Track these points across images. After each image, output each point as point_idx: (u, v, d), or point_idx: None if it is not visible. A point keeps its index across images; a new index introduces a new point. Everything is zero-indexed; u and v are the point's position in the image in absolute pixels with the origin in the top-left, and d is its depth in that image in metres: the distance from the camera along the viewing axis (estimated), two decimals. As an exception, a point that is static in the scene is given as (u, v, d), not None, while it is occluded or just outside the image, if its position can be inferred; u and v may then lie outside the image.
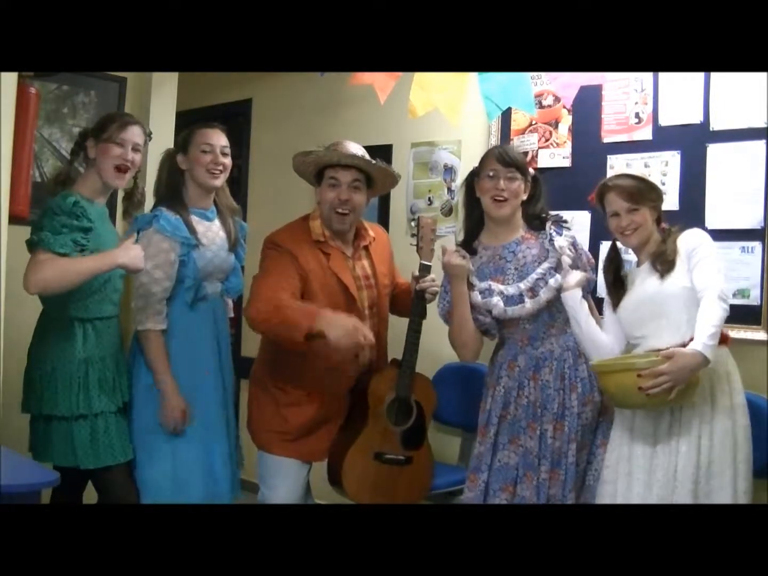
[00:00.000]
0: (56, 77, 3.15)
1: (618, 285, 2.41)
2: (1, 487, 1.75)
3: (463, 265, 2.46)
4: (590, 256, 2.63)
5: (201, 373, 2.57)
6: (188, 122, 3.03)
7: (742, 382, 2.24)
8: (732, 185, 2.66)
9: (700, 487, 2.12)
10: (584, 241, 2.95)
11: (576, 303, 2.41)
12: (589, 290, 2.54)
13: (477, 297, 2.49)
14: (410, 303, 2.62)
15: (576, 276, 2.45)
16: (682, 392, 2.08)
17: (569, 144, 3.09)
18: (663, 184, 2.75)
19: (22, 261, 2.31)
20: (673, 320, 2.17)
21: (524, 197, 2.51)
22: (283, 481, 2.61)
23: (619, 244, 2.42)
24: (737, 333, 2.54)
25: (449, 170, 3.46)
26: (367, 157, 2.61)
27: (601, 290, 2.55)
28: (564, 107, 3.08)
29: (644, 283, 2.30)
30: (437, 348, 3.15)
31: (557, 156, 3.12)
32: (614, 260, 2.44)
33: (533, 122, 3.18)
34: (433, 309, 2.65)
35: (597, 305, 2.55)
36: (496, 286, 2.48)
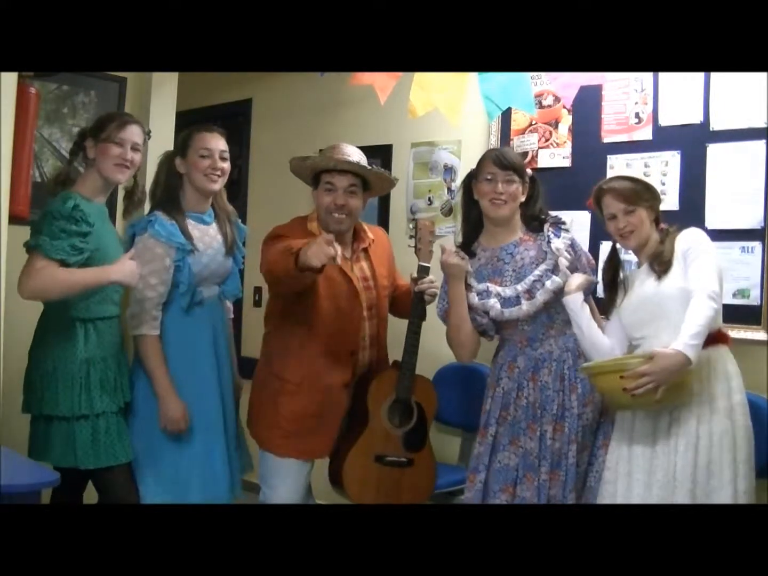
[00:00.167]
0: (56, 77, 3.15)
1: (613, 287, 2.41)
2: (1, 487, 1.75)
3: (460, 264, 2.47)
4: (590, 258, 2.63)
5: (198, 377, 2.56)
6: (188, 122, 3.04)
7: (742, 382, 2.24)
8: (732, 185, 2.66)
9: (699, 487, 2.12)
10: (584, 242, 2.95)
11: (577, 306, 2.41)
12: (589, 292, 2.54)
13: (474, 298, 2.49)
14: (410, 305, 2.62)
15: (578, 279, 2.45)
16: (669, 392, 2.08)
17: (569, 144, 3.09)
18: (663, 184, 2.75)
19: (22, 261, 2.31)
20: (672, 321, 2.17)
21: (522, 199, 2.51)
22: (284, 481, 2.61)
23: (619, 246, 2.42)
24: (737, 333, 2.54)
25: (449, 170, 3.46)
26: (364, 161, 2.61)
27: (601, 292, 2.55)
28: (564, 107, 3.08)
29: (643, 285, 2.31)
30: (437, 348, 3.15)
31: (557, 156, 3.12)
32: (613, 262, 2.44)
33: (533, 122, 3.18)
34: (432, 310, 2.66)
35: (598, 306, 2.55)
36: (494, 288, 2.48)
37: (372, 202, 3.04)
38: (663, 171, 2.81)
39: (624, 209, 2.28)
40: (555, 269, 2.46)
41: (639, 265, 2.39)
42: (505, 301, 2.46)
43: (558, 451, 2.42)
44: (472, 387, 3.14)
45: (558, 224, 2.55)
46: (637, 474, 2.22)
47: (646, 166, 2.82)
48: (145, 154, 2.84)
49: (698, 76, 2.73)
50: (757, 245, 2.61)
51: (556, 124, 3.13)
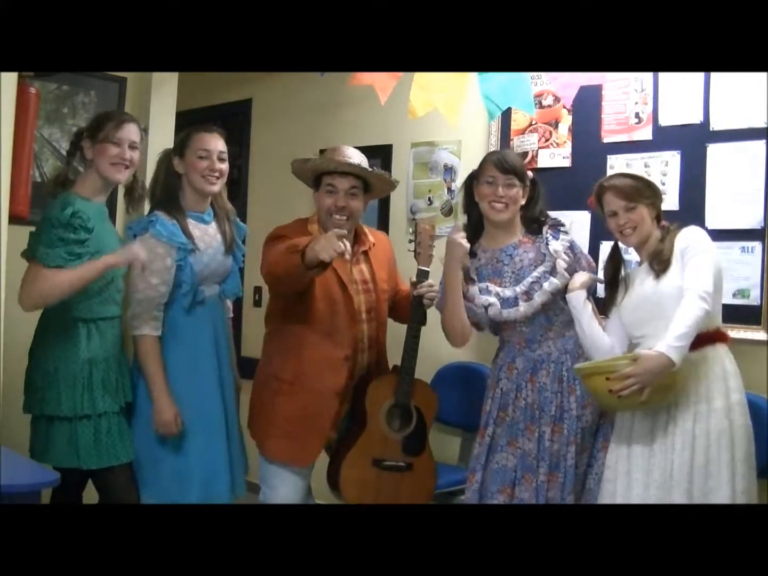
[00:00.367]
0: (56, 77, 3.15)
1: (614, 285, 2.41)
2: (1, 487, 1.75)
3: (464, 245, 2.45)
4: (590, 260, 2.64)
5: (200, 376, 2.56)
6: (188, 122, 3.03)
7: (742, 382, 2.24)
8: (732, 185, 2.66)
9: (697, 487, 2.12)
10: (584, 242, 2.96)
11: (580, 304, 2.41)
12: (590, 292, 2.54)
13: (476, 292, 2.50)
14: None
15: (582, 277, 2.47)
16: (655, 392, 2.09)
17: (569, 144, 3.09)
18: (663, 184, 2.75)
19: (22, 261, 2.31)
20: (670, 320, 2.17)
21: (523, 202, 2.52)
22: (284, 481, 2.61)
23: (621, 244, 2.42)
24: (737, 333, 2.54)
25: (449, 170, 3.46)
26: (365, 164, 2.61)
27: (601, 291, 2.55)
28: (564, 107, 3.08)
29: (643, 284, 2.31)
30: (437, 349, 3.15)
31: (557, 156, 3.12)
32: (614, 260, 2.44)
33: (533, 122, 3.18)
34: (432, 314, 2.66)
35: (598, 305, 2.55)
36: (494, 288, 2.49)
37: (372, 203, 3.03)
38: (663, 171, 2.81)
39: (625, 206, 2.29)
40: (553, 271, 2.47)
41: (640, 263, 2.39)
42: (504, 302, 2.46)
43: (556, 452, 2.42)
44: (472, 387, 3.14)
45: (557, 226, 2.56)
46: (636, 473, 2.22)
47: (646, 166, 2.82)
48: (145, 153, 2.85)
49: (698, 76, 2.73)
50: (757, 245, 2.61)
51: (556, 124, 3.13)
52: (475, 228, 2.59)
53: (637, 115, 2.90)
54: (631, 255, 2.53)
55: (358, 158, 2.61)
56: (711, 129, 2.71)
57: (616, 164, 2.90)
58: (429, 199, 3.52)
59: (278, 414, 2.60)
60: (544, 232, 2.54)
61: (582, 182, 2.80)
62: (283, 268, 2.39)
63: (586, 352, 2.44)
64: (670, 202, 2.72)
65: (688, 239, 2.24)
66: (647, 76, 2.87)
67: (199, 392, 2.55)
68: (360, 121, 3.73)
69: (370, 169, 2.60)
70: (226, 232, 2.65)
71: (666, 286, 2.23)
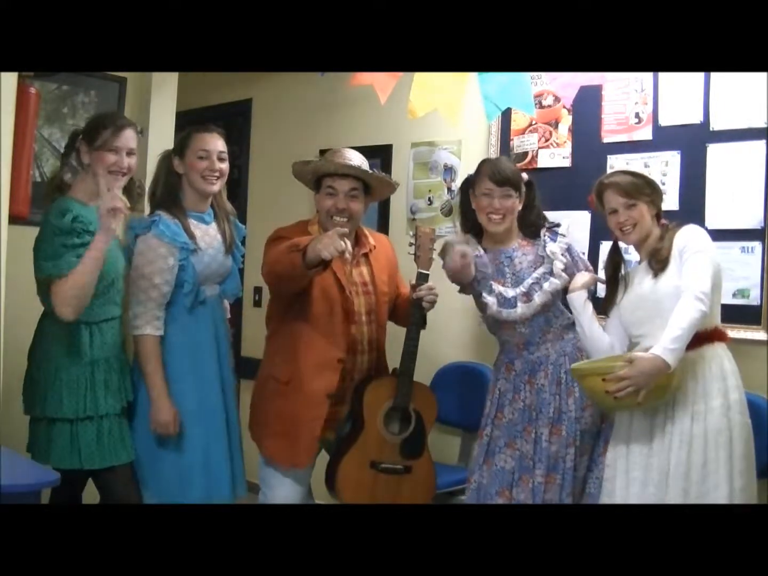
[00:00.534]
0: (56, 77, 3.15)
1: (614, 284, 2.42)
2: (1, 487, 1.75)
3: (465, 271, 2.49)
4: (587, 263, 2.65)
5: (201, 376, 2.56)
6: (188, 122, 3.03)
7: (742, 381, 2.23)
8: (732, 185, 2.66)
9: (695, 486, 2.12)
10: (584, 242, 2.96)
11: (580, 304, 2.42)
12: (591, 293, 2.55)
13: (480, 289, 2.51)
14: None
15: (583, 278, 2.48)
16: (651, 393, 2.09)
17: (569, 144, 3.09)
18: (663, 184, 2.75)
19: (22, 261, 2.31)
20: (667, 320, 2.16)
21: (519, 208, 2.53)
22: (283, 481, 2.61)
23: (621, 243, 2.42)
24: (737, 333, 2.54)
25: (449, 170, 3.46)
26: (365, 166, 2.61)
27: (601, 291, 2.55)
28: (564, 107, 3.08)
29: (642, 282, 2.31)
30: (436, 350, 3.16)
31: (557, 156, 3.12)
32: (614, 258, 2.44)
33: (533, 122, 3.18)
34: (432, 316, 2.66)
35: (597, 305, 2.55)
36: (497, 287, 2.50)
37: (372, 203, 3.03)
38: (663, 171, 2.81)
39: (625, 203, 2.29)
40: (552, 272, 2.48)
41: (640, 261, 2.39)
42: (504, 302, 2.47)
43: (554, 454, 2.42)
44: (471, 387, 3.14)
45: (554, 229, 2.58)
46: (634, 472, 2.23)
47: (646, 166, 2.82)
48: (145, 153, 2.85)
49: (698, 76, 2.73)
50: (757, 245, 2.61)
51: (556, 124, 3.13)
52: (474, 232, 2.60)
53: (637, 115, 2.90)
54: (631, 255, 2.53)
55: (358, 160, 2.61)
56: (711, 129, 2.71)
57: (616, 164, 2.89)
58: (429, 199, 3.52)
59: (275, 415, 2.60)
60: (542, 235, 2.56)
61: (582, 182, 2.80)
62: (283, 267, 2.39)
63: (587, 352, 2.44)
64: (670, 202, 2.72)
65: (687, 238, 2.24)
66: (647, 76, 2.87)
67: (199, 392, 2.55)
68: (360, 121, 3.74)
69: (371, 171, 2.61)
70: (226, 232, 2.65)
71: (664, 285, 2.23)
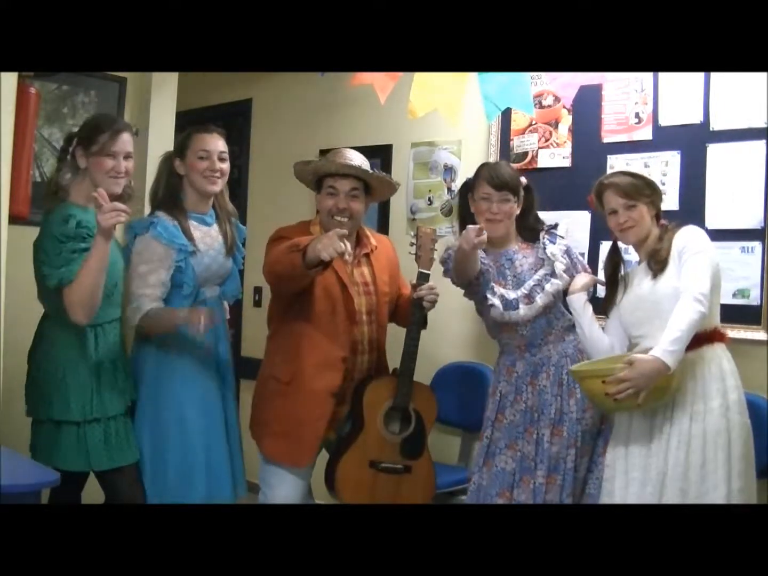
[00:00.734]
0: (56, 77, 3.15)
1: (613, 284, 2.42)
2: (1, 487, 1.75)
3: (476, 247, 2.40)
4: (586, 265, 2.65)
5: (201, 377, 2.56)
6: (188, 122, 3.03)
7: (742, 382, 2.23)
8: (732, 185, 2.66)
9: (693, 486, 2.12)
10: (584, 242, 2.96)
11: (580, 306, 2.43)
12: (591, 294, 2.55)
13: (486, 287, 2.50)
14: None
15: (583, 279, 2.48)
16: (651, 394, 2.09)
17: (569, 144, 3.09)
18: (663, 184, 2.75)
19: (22, 261, 2.31)
20: (666, 320, 2.16)
21: (518, 212, 2.54)
22: (283, 481, 2.61)
23: (620, 243, 2.42)
24: (737, 333, 2.54)
25: (449, 170, 3.46)
26: (366, 166, 2.61)
27: (601, 292, 2.56)
28: (564, 107, 3.08)
29: (641, 283, 2.31)
30: (436, 350, 3.16)
31: (557, 156, 3.12)
32: (614, 259, 2.44)
33: (533, 122, 3.18)
34: (432, 316, 2.66)
35: (596, 306, 2.55)
36: (499, 289, 2.50)
37: (372, 203, 3.04)
38: (663, 171, 2.81)
39: (624, 204, 2.29)
40: (553, 274, 2.49)
41: (639, 262, 2.39)
42: (507, 303, 2.47)
43: (556, 455, 2.43)
44: (471, 387, 3.14)
45: (553, 231, 2.58)
46: (633, 472, 2.23)
47: (646, 166, 2.82)
48: (145, 153, 2.85)
49: (698, 76, 2.73)
50: (757, 245, 2.61)
51: (556, 124, 3.13)
52: None
53: (637, 115, 2.90)
54: (631, 255, 2.53)
55: (359, 160, 2.62)
56: (711, 129, 2.71)
57: (616, 164, 2.90)
58: (429, 199, 3.52)
59: (276, 414, 2.60)
60: (541, 237, 2.57)
61: (582, 182, 2.80)
62: (283, 267, 2.39)
63: (587, 353, 2.44)
64: (670, 202, 2.72)
65: (686, 239, 2.24)
66: (647, 76, 2.87)
67: (200, 393, 2.55)
68: (360, 121, 3.73)
69: (371, 171, 2.61)
70: (227, 234, 2.65)
71: (663, 286, 2.23)
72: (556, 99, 3.09)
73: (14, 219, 2.52)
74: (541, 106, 3.14)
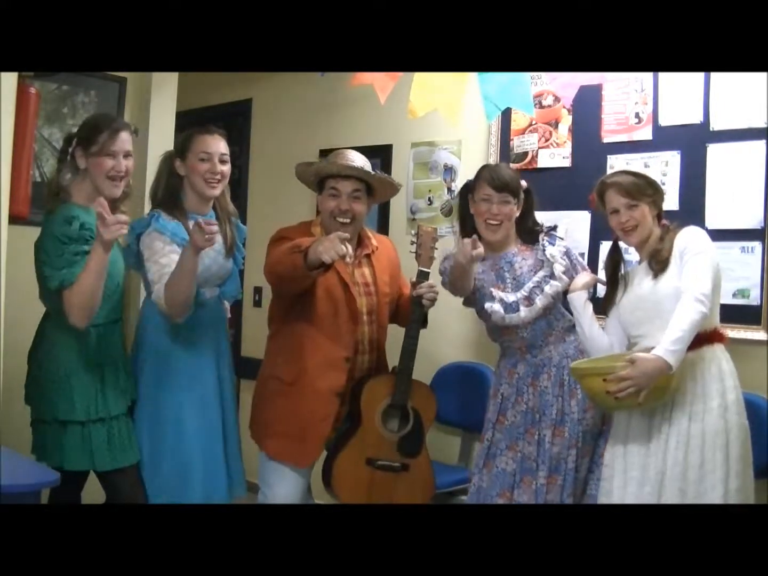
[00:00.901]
0: (56, 77, 3.15)
1: (614, 283, 2.42)
2: (1, 487, 1.75)
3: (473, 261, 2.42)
4: (586, 266, 2.66)
5: (201, 378, 2.56)
6: (188, 122, 3.03)
7: (742, 382, 2.24)
8: (732, 185, 2.66)
9: (691, 486, 2.12)
10: (584, 242, 2.96)
11: (581, 304, 2.43)
12: (591, 294, 2.55)
13: (483, 299, 2.51)
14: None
15: (584, 278, 2.48)
16: (651, 394, 2.09)
17: (569, 144, 3.09)
18: (663, 184, 2.74)
19: (22, 261, 2.31)
20: (667, 320, 2.16)
21: (517, 215, 2.54)
22: (283, 480, 2.61)
23: (621, 243, 2.42)
24: (737, 333, 2.54)
25: (449, 170, 3.46)
26: (368, 167, 2.61)
27: (601, 292, 2.56)
28: (564, 107, 3.08)
29: (641, 283, 2.31)
30: (436, 350, 3.16)
31: (557, 156, 3.12)
32: (614, 258, 2.44)
33: (533, 122, 3.18)
34: (432, 315, 2.65)
35: (596, 305, 2.55)
36: (498, 293, 2.50)
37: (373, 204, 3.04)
38: (663, 171, 2.81)
39: (626, 204, 2.29)
40: (552, 276, 2.49)
41: (640, 261, 2.39)
42: (507, 307, 2.47)
43: (557, 455, 2.43)
44: (471, 387, 3.14)
45: (552, 233, 2.59)
46: (632, 471, 2.23)
47: (646, 166, 2.82)
48: (145, 153, 2.84)
49: (698, 76, 2.73)
50: (757, 245, 2.61)
51: (556, 124, 3.13)
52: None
53: (637, 115, 2.90)
54: (631, 255, 2.53)
55: (361, 161, 2.62)
56: (711, 129, 2.71)
57: (616, 164, 2.90)
58: (429, 199, 3.52)
59: (279, 414, 2.60)
60: (540, 239, 2.57)
61: (582, 182, 2.81)
62: (284, 268, 2.40)
63: (586, 352, 2.44)
64: (670, 202, 2.72)
65: (687, 240, 2.24)
66: (647, 76, 2.87)
67: (199, 393, 2.55)
68: (360, 121, 3.73)
69: (373, 173, 2.61)
70: (227, 234, 2.64)
71: (664, 286, 2.23)
72: (556, 99, 3.09)
73: (14, 219, 2.52)
74: (541, 106, 3.14)
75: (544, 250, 2.53)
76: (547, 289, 2.46)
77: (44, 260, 2.26)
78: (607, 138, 2.98)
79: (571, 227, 2.70)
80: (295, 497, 2.62)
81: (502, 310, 2.47)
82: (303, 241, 2.36)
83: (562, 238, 2.59)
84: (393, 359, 2.71)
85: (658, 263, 2.26)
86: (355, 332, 2.60)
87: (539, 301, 2.46)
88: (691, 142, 2.75)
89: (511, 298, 2.48)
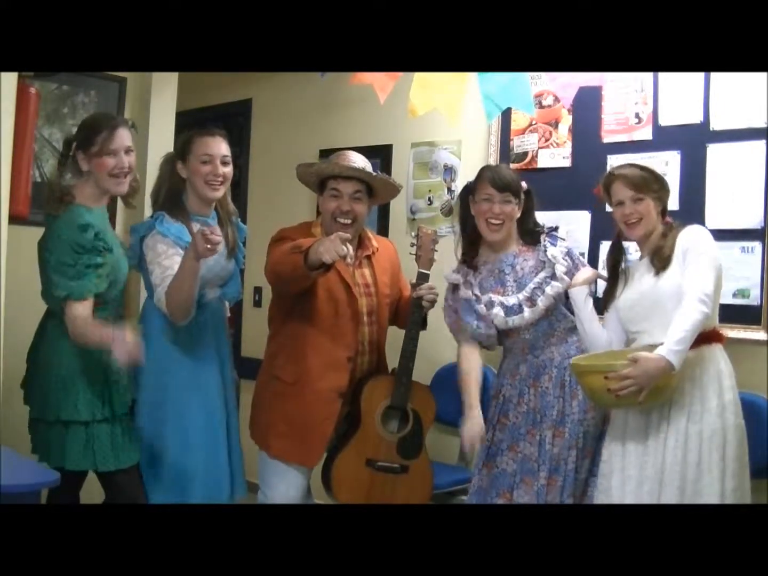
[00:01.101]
0: (56, 77, 3.15)
1: (614, 277, 2.42)
2: (1, 487, 1.75)
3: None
4: (587, 266, 2.64)
5: (202, 379, 2.56)
6: (188, 122, 3.03)
7: (741, 382, 2.24)
8: (732, 185, 2.66)
9: (689, 486, 2.12)
10: (584, 241, 2.96)
11: (581, 299, 2.43)
12: (592, 291, 2.55)
13: (482, 309, 2.50)
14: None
15: (585, 273, 2.49)
16: (652, 393, 2.10)
17: (569, 144, 3.09)
18: (664, 183, 2.76)
19: (22, 261, 2.31)
20: (667, 318, 2.16)
21: (518, 215, 2.54)
22: (284, 480, 2.61)
23: (624, 239, 2.42)
24: (737, 333, 2.55)
25: (449, 170, 3.46)
26: (369, 168, 2.61)
27: (601, 290, 2.55)
28: (564, 107, 3.08)
29: (642, 279, 2.31)
30: (435, 351, 3.15)
31: (557, 156, 3.12)
32: (615, 253, 2.44)
33: (533, 122, 3.18)
34: (432, 316, 2.65)
35: (596, 302, 2.55)
36: (497, 298, 2.50)
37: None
38: (663, 171, 2.77)
39: (632, 196, 2.29)
40: (554, 276, 2.49)
41: (641, 257, 2.39)
42: (508, 310, 2.47)
43: (557, 456, 2.43)
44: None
45: (553, 233, 2.58)
46: (629, 470, 2.23)
47: (646, 166, 2.82)
48: (145, 153, 2.84)
49: (698, 76, 2.73)
50: (757, 245, 2.61)
51: (556, 124, 3.13)
52: (472, 240, 2.60)
53: (637, 115, 2.90)
54: (631, 255, 2.52)
55: (362, 163, 2.62)
56: (711, 129, 2.72)
57: (616, 164, 2.89)
58: (429, 199, 3.52)
59: (281, 415, 2.60)
60: (542, 240, 2.56)
61: (582, 182, 2.81)
62: (285, 268, 2.40)
63: (586, 347, 2.44)
64: (670, 201, 2.70)
65: (691, 239, 2.24)
66: (647, 76, 2.87)
67: (200, 393, 2.54)
68: (360, 121, 3.73)
69: (374, 174, 2.61)
70: (228, 235, 2.64)
71: (665, 284, 2.23)
72: (556, 99, 3.09)
73: (14, 219, 2.52)
74: (541, 106, 3.14)
75: (545, 251, 2.53)
76: (549, 290, 2.46)
77: (54, 265, 2.24)
78: (607, 138, 2.98)
79: (571, 227, 2.69)
80: (296, 497, 2.62)
81: (503, 314, 2.47)
82: (304, 242, 2.37)
83: (563, 239, 2.58)
84: (393, 360, 2.71)
85: (660, 260, 2.26)
86: (357, 332, 2.60)
87: (541, 302, 2.45)
88: (691, 142, 2.75)
89: (511, 300, 2.48)
